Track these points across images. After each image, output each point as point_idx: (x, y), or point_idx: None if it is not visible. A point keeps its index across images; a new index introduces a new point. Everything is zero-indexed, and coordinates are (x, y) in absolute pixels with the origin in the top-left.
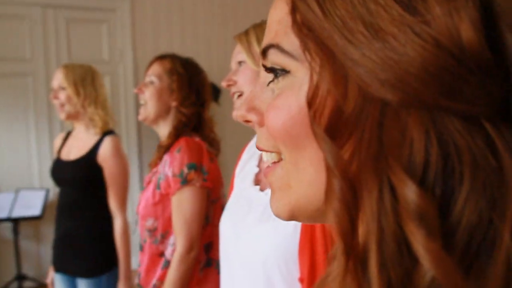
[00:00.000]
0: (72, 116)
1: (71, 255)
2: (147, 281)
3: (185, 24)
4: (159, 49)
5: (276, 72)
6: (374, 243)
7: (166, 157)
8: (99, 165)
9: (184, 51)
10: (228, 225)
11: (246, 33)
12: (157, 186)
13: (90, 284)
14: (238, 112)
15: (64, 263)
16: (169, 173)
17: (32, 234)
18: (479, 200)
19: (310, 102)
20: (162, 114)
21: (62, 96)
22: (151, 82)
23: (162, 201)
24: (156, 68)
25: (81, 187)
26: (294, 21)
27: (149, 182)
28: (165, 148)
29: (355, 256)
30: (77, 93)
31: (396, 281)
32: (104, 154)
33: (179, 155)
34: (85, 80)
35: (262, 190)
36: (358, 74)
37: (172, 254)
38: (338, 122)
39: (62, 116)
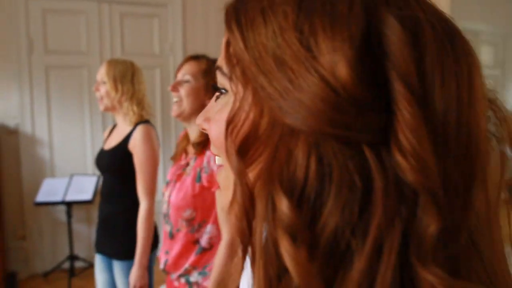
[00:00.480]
0: (110, 109)
1: (108, 238)
2: (177, 266)
3: None
4: (209, 44)
5: (220, 90)
6: (259, 246)
7: (210, 153)
8: (130, 153)
9: None
10: None
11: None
12: (197, 179)
13: (124, 266)
14: (197, 121)
15: (103, 245)
16: (215, 168)
17: (84, 217)
18: (339, 216)
19: (230, 121)
20: (196, 111)
21: (102, 90)
22: (187, 81)
23: (202, 193)
24: (191, 68)
25: (117, 174)
26: (227, 51)
27: (179, 175)
28: (202, 145)
29: (245, 257)
30: (115, 89)
31: (274, 279)
32: (134, 142)
33: None
34: (125, 77)
35: None
36: (268, 102)
37: (207, 242)
38: (251, 142)
39: (101, 107)
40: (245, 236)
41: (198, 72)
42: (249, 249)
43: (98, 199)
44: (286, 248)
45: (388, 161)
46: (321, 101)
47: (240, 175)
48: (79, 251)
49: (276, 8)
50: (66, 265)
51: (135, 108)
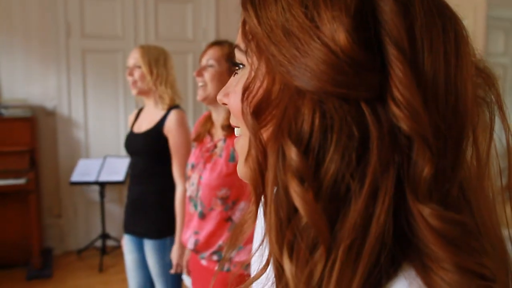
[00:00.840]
0: (143, 93)
1: (140, 218)
2: (209, 244)
3: None
4: None
5: (238, 65)
6: (270, 192)
7: None
8: (165, 136)
9: None
10: None
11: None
12: (230, 159)
13: (156, 245)
14: (218, 96)
15: (133, 226)
16: None
17: (116, 198)
18: (339, 161)
19: (246, 88)
20: None
21: (137, 74)
22: (211, 66)
23: (236, 172)
24: (214, 53)
25: (150, 156)
26: (243, 29)
27: (209, 157)
28: (232, 127)
29: (258, 202)
30: (151, 72)
31: (284, 221)
32: (169, 126)
33: None
34: (158, 61)
35: None
36: (279, 68)
37: (239, 218)
38: (264, 106)
39: (134, 92)
40: (258, 186)
41: (221, 57)
42: (262, 198)
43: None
44: (295, 190)
45: (382, 114)
46: (324, 64)
47: (255, 133)
48: (110, 230)
49: None
50: (98, 243)
51: (169, 91)
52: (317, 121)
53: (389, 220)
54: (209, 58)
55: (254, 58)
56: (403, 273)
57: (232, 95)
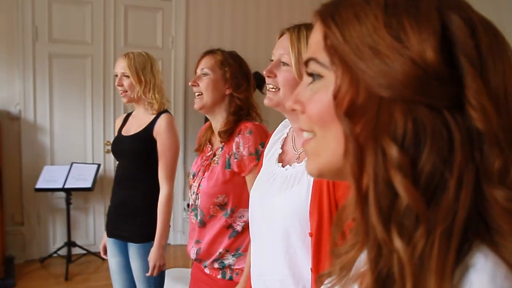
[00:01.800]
0: (133, 100)
1: (125, 222)
2: (210, 252)
3: (236, 15)
4: (211, 39)
5: (314, 76)
6: (372, 183)
7: (238, 139)
8: (154, 139)
9: (234, 41)
10: (256, 195)
11: (298, 36)
12: (227, 166)
13: (140, 249)
14: (288, 104)
15: (118, 230)
16: (245, 153)
17: (82, 205)
18: (434, 158)
19: (335, 96)
20: (217, 102)
21: (126, 83)
22: (205, 74)
23: (233, 179)
24: (208, 61)
25: (138, 159)
26: (326, 44)
27: (207, 165)
28: (228, 133)
29: (361, 192)
30: (139, 81)
31: (385, 207)
32: (159, 129)
33: (252, 136)
34: (145, 68)
35: (283, 166)
36: (365, 80)
37: (241, 226)
38: (352, 109)
39: (124, 100)
40: (357, 180)
41: (215, 64)
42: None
43: (98, 188)
44: (399, 180)
45: (459, 119)
46: (413, 78)
47: (352, 132)
48: (76, 237)
49: (367, 12)
50: (63, 251)
51: (157, 96)
52: (409, 126)
53: (472, 203)
54: (203, 67)
55: (339, 70)
56: (478, 249)
57: (311, 103)
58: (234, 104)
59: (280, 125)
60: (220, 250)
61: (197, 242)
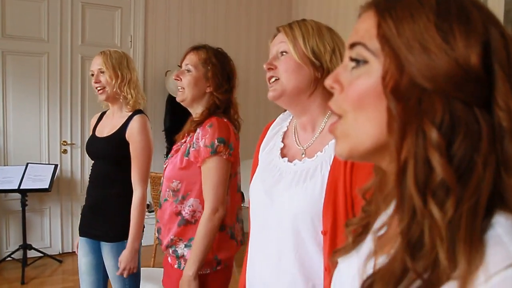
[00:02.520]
0: (111, 98)
1: (98, 221)
2: (164, 234)
3: (194, 14)
4: (169, 38)
5: (359, 61)
6: (411, 158)
7: (199, 130)
8: (127, 141)
9: (193, 41)
10: (261, 191)
11: (291, 27)
12: (186, 154)
13: (114, 247)
14: (327, 81)
15: (91, 228)
16: (201, 144)
17: (38, 207)
18: (466, 144)
19: (383, 79)
20: (197, 98)
21: (103, 79)
22: (188, 71)
23: (188, 167)
24: (192, 58)
25: (112, 160)
26: (379, 33)
27: (177, 150)
28: (197, 123)
29: (399, 166)
30: (116, 76)
31: (421, 180)
32: (131, 131)
33: (211, 129)
34: (121, 64)
35: (290, 161)
36: (411, 70)
37: (189, 214)
38: (396, 93)
39: (102, 97)
40: (398, 153)
41: (198, 62)
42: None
43: (54, 189)
44: (436, 158)
45: (485, 115)
46: (454, 76)
47: (397, 111)
48: (31, 240)
49: (421, 13)
50: (19, 254)
51: (133, 92)
52: (447, 116)
53: (492, 185)
54: (187, 63)
55: (388, 58)
56: (499, 215)
57: (353, 86)
58: (212, 102)
59: (277, 118)
60: (171, 236)
61: (157, 221)
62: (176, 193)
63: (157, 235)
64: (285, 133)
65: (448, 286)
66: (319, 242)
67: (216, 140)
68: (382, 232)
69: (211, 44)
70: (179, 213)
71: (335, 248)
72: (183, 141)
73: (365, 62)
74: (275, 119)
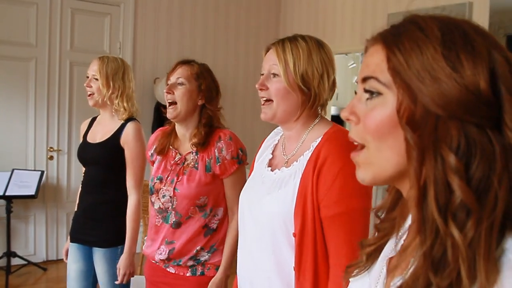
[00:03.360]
0: (99, 105)
1: (91, 227)
2: (185, 251)
3: (184, 21)
4: (158, 45)
5: (373, 93)
6: (431, 182)
7: (220, 145)
8: (121, 147)
9: (182, 48)
10: (246, 197)
11: (283, 48)
12: (207, 169)
13: (106, 254)
14: (343, 113)
15: (84, 234)
16: (228, 157)
17: (23, 214)
18: (483, 166)
19: (398, 110)
20: (191, 112)
21: (94, 86)
22: (181, 84)
23: (213, 181)
24: (184, 71)
25: (105, 166)
26: (389, 66)
27: (181, 170)
28: (203, 142)
29: (420, 191)
30: (107, 86)
31: (442, 203)
32: (126, 137)
33: (232, 142)
34: (116, 75)
35: (272, 170)
36: (423, 99)
37: (216, 224)
38: (411, 123)
39: (90, 103)
40: (418, 179)
41: (191, 76)
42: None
43: (40, 195)
44: (456, 182)
45: (498, 138)
46: (466, 101)
47: (414, 140)
48: (15, 248)
49: (427, 44)
50: (2, 262)
51: (125, 104)
52: (463, 140)
53: (508, 199)
54: (179, 76)
55: (400, 90)
56: (510, 236)
57: (370, 118)
58: (206, 115)
59: (272, 132)
60: (197, 248)
61: (170, 243)
62: (204, 208)
63: (160, 257)
64: (275, 145)
65: None
66: (292, 243)
67: (239, 150)
68: (393, 254)
69: (200, 52)
70: (205, 226)
71: (302, 248)
72: (177, 159)
73: (379, 93)
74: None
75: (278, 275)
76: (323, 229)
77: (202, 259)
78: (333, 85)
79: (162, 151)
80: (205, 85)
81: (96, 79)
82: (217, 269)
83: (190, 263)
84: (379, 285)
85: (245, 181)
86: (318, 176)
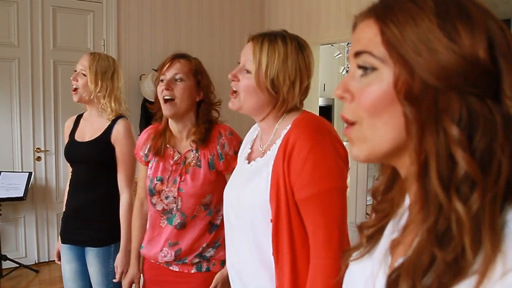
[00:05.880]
0: (85, 101)
1: (82, 227)
2: (192, 250)
3: (167, 17)
4: (143, 41)
5: (366, 69)
6: (433, 157)
7: (223, 141)
8: (112, 145)
9: (167, 44)
10: (227, 192)
11: (261, 47)
12: (210, 167)
13: (99, 253)
14: (336, 92)
15: (75, 234)
16: (231, 153)
17: (12, 216)
18: (486, 137)
19: (395, 84)
20: (190, 108)
21: (81, 81)
22: (180, 80)
23: (217, 178)
24: (182, 67)
25: (95, 165)
26: (384, 40)
27: (183, 169)
28: (204, 137)
29: (420, 166)
30: (95, 83)
31: (445, 176)
32: (117, 135)
33: (233, 137)
34: (105, 74)
35: (248, 163)
36: (421, 72)
37: (220, 220)
38: (410, 97)
39: (74, 98)
40: (418, 153)
41: (189, 71)
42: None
43: (29, 197)
44: (460, 154)
45: (498, 108)
46: (466, 72)
47: (413, 114)
48: (6, 251)
49: (422, 15)
50: None
51: (113, 105)
52: (464, 111)
53: (509, 166)
54: (177, 72)
55: (397, 64)
56: (511, 207)
57: (365, 93)
58: (204, 111)
59: (252, 127)
60: (204, 245)
61: (174, 244)
62: (209, 206)
63: (166, 259)
64: (254, 139)
65: (470, 280)
66: (270, 231)
67: (240, 144)
68: (395, 235)
69: (185, 46)
70: (209, 223)
71: (278, 233)
72: (176, 158)
73: (374, 69)
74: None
75: (261, 263)
76: (299, 213)
77: (208, 255)
78: (305, 91)
79: (159, 152)
80: (204, 81)
81: (84, 75)
82: (222, 263)
83: (196, 260)
84: (383, 267)
85: None
86: (289, 161)
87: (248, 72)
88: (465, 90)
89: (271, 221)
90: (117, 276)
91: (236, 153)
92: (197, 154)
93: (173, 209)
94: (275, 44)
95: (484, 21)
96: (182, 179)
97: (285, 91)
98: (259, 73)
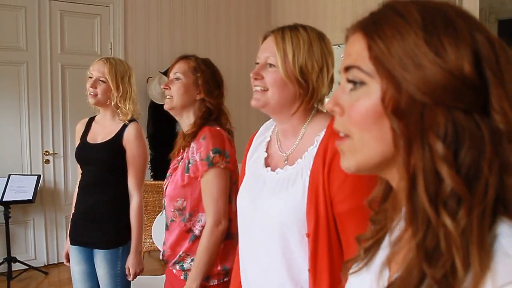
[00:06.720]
0: (101, 104)
1: (91, 229)
2: (172, 254)
3: (174, 20)
4: (149, 44)
5: (356, 83)
6: (420, 172)
7: (193, 145)
8: (123, 148)
9: (172, 46)
10: (247, 200)
11: (283, 37)
12: (186, 170)
13: (107, 255)
14: (327, 105)
15: (84, 236)
16: (197, 158)
17: (22, 219)
18: (473, 152)
19: (383, 99)
20: (187, 105)
21: (100, 88)
22: (177, 78)
23: (191, 183)
24: (181, 66)
25: (107, 167)
26: (371, 55)
27: (175, 169)
28: (191, 137)
29: (409, 180)
30: (117, 88)
31: (432, 192)
32: (128, 138)
33: (204, 142)
34: (124, 78)
35: (273, 170)
36: (408, 87)
37: (199, 230)
38: (397, 111)
39: (92, 101)
40: (406, 168)
41: (188, 70)
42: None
43: (38, 199)
44: (445, 170)
45: (486, 122)
46: (451, 87)
47: (400, 129)
48: (16, 253)
49: (408, 30)
50: (3, 268)
51: (131, 106)
52: (450, 126)
53: (497, 183)
54: (176, 71)
55: (384, 79)
56: (501, 221)
57: (355, 108)
58: (204, 108)
59: (261, 128)
60: (180, 253)
61: (164, 243)
62: (183, 212)
63: (160, 256)
64: (268, 142)
65: None
66: (304, 245)
67: (211, 151)
68: (395, 248)
69: (192, 48)
70: (189, 230)
71: (317, 249)
72: (179, 158)
73: (362, 83)
74: (257, 130)
75: (291, 280)
76: (336, 226)
77: (186, 265)
78: (331, 81)
79: (174, 153)
80: (202, 78)
81: (103, 81)
82: (206, 278)
83: (177, 267)
84: (381, 281)
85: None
86: (329, 171)
87: (271, 66)
88: (451, 105)
89: (307, 235)
90: (130, 277)
91: (202, 159)
92: (184, 155)
93: (164, 207)
94: (297, 33)
95: (471, 34)
96: (170, 179)
97: (315, 79)
98: (286, 63)
